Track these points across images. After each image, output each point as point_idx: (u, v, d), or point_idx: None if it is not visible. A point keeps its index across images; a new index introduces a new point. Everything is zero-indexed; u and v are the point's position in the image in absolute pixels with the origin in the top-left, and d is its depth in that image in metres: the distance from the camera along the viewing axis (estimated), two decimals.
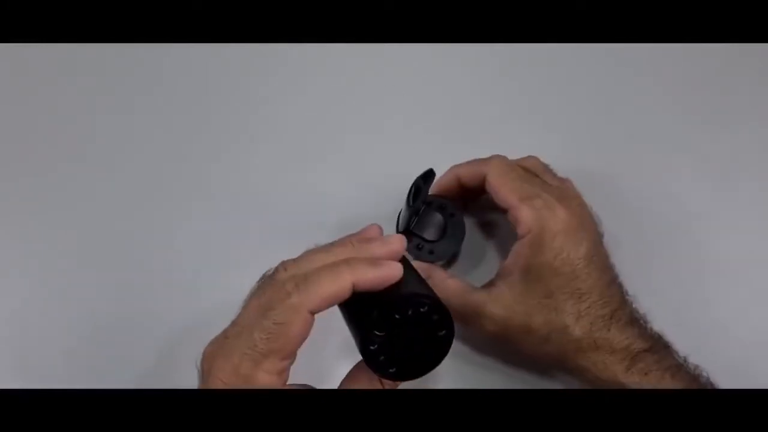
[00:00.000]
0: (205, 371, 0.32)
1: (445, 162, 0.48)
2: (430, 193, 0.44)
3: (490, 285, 0.40)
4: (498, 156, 0.42)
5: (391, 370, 0.32)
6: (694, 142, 0.53)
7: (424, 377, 0.33)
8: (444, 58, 0.56)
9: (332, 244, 0.34)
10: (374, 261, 0.32)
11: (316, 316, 0.31)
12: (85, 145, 0.51)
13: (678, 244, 0.49)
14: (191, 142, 0.52)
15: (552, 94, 0.54)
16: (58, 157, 0.51)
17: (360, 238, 0.34)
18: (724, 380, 0.38)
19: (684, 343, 0.39)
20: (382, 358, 0.31)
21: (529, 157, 0.44)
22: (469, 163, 0.43)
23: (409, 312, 0.31)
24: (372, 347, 0.31)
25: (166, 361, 0.44)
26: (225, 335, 0.32)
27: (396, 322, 0.31)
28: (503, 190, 0.40)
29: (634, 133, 0.53)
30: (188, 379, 0.44)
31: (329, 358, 0.44)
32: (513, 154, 0.52)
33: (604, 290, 0.37)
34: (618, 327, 0.37)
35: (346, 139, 0.52)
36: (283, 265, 0.33)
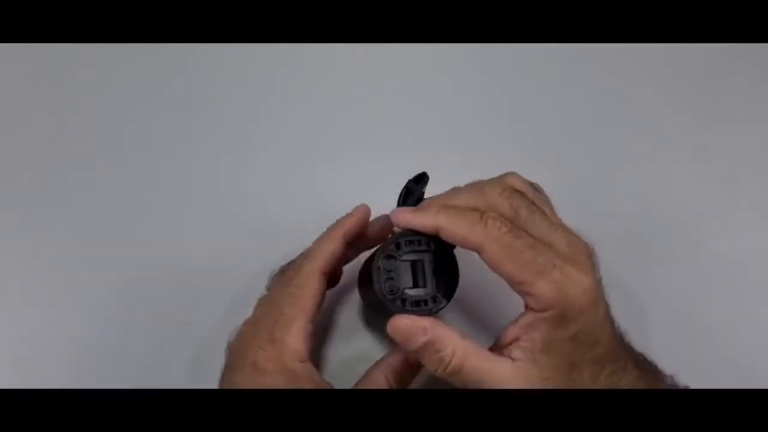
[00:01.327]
0: (236, 346, 0.37)
1: (446, 162, 0.48)
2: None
3: (508, 355, 0.33)
4: (492, 219, 0.33)
5: (426, 306, 0.34)
6: (694, 142, 0.53)
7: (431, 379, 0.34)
8: (444, 58, 0.56)
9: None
10: (349, 214, 0.40)
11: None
12: (85, 145, 0.51)
13: (678, 244, 0.49)
14: (191, 143, 0.52)
15: (552, 94, 0.54)
16: (58, 156, 0.51)
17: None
18: (725, 380, 0.38)
19: (684, 343, 0.40)
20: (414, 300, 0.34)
21: (511, 178, 0.37)
22: (454, 216, 0.34)
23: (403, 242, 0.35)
24: (395, 293, 0.34)
25: (167, 361, 0.44)
26: (254, 318, 0.38)
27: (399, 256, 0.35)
28: (509, 266, 0.32)
29: (634, 133, 0.53)
30: (188, 379, 0.44)
31: (346, 360, 0.44)
32: (513, 154, 0.52)
33: (616, 346, 0.35)
34: (627, 378, 0.35)
35: (345, 139, 0.52)
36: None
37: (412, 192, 0.41)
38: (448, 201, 0.35)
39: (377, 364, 0.38)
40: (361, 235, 0.40)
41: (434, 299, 0.35)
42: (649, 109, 0.54)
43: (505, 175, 0.37)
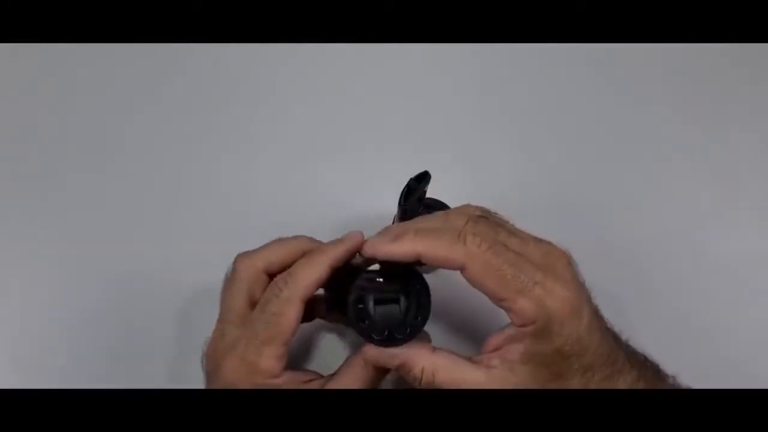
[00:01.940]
0: (209, 367, 0.36)
1: (446, 162, 0.48)
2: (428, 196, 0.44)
3: (486, 364, 0.34)
4: (472, 235, 0.33)
5: (399, 336, 0.35)
6: (694, 142, 0.53)
7: None
8: (444, 59, 0.56)
9: (286, 238, 0.40)
10: (337, 241, 0.37)
11: None
12: (85, 145, 0.51)
13: (678, 245, 0.49)
14: (191, 143, 0.52)
15: (551, 94, 0.54)
16: (58, 157, 0.51)
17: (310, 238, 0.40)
18: (724, 380, 0.38)
19: (684, 343, 0.40)
20: (386, 332, 0.35)
21: (469, 207, 0.36)
22: (432, 238, 0.34)
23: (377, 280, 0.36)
24: (368, 323, 0.35)
25: (167, 360, 0.44)
26: (219, 333, 0.37)
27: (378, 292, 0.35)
28: (491, 284, 0.32)
29: (634, 133, 0.53)
30: (188, 379, 0.44)
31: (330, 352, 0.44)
32: (513, 154, 0.52)
33: (608, 351, 0.34)
34: (624, 380, 0.34)
35: (346, 138, 0.52)
36: (240, 257, 0.38)
37: (414, 191, 0.41)
38: (419, 225, 0.35)
39: (359, 350, 0.38)
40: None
41: (408, 329, 0.35)
42: (649, 109, 0.54)
43: (463, 206, 0.36)
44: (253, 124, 0.53)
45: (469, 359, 0.34)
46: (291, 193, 0.50)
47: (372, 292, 0.35)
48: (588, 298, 0.34)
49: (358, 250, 0.37)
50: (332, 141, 0.52)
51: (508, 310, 0.33)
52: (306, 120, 0.53)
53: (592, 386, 0.33)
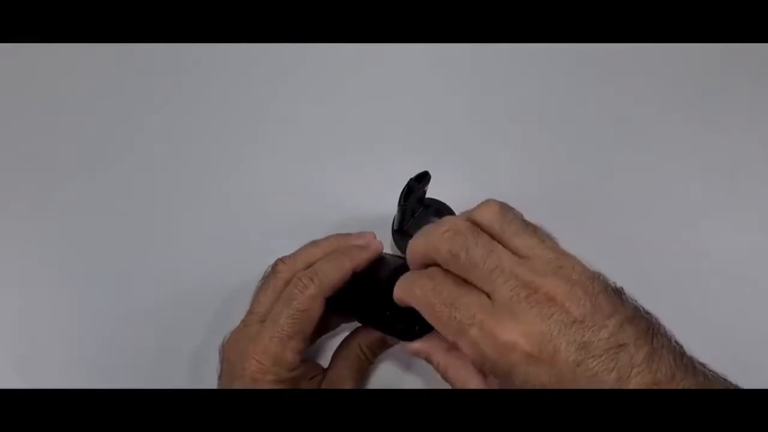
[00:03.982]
0: (232, 357, 0.37)
1: (446, 162, 0.48)
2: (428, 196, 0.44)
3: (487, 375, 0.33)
4: (419, 277, 0.32)
5: (416, 329, 0.35)
6: (694, 142, 0.53)
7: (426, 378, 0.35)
8: (444, 58, 0.56)
9: (319, 240, 0.41)
10: (361, 246, 0.39)
11: None
12: (85, 145, 0.51)
13: (678, 244, 0.49)
14: (192, 143, 0.52)
15: (551, 94, 0.54)
16: (58, 157, 0.51)
17: (340, 234, 0.42)
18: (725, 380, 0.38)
19: (683, 343, 0.39)
20: (400, 325, 0.36)
21: (478, 211, 0.33)
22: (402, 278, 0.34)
23: None
24: (389, 316, 0.36)
25: (167, 361, 0.44)
26: (245, 324, 0.38)
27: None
28: (435, 325, 0.31)
29: (633, 133, 0.53)
30: (188, 379, 0.44)
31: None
32: (513, 154, 0.52)
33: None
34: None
35: (346, 139, 0.52)
36: (281, 260, 0.40)
37: (414, 191, 0.41)
38: (410, 250, 0.34)
39: (354, 332, 0.41)
40: None
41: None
42: (648, 109, 0.54)
43: (475, 208, 0.33)
44: (253, 124, 0.53)
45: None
46: (291, 193, 0.50)
47: None
48: (574, 341, 0.28)
49: (376, 257, 0.39)
50: (332, 141, 0.52)
51: None
52: (306, 120, 0.53)
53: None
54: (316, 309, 0.37)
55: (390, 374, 0.44)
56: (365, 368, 0.41)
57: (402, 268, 0.36)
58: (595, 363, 0.28)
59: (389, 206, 0.43)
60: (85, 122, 0.52)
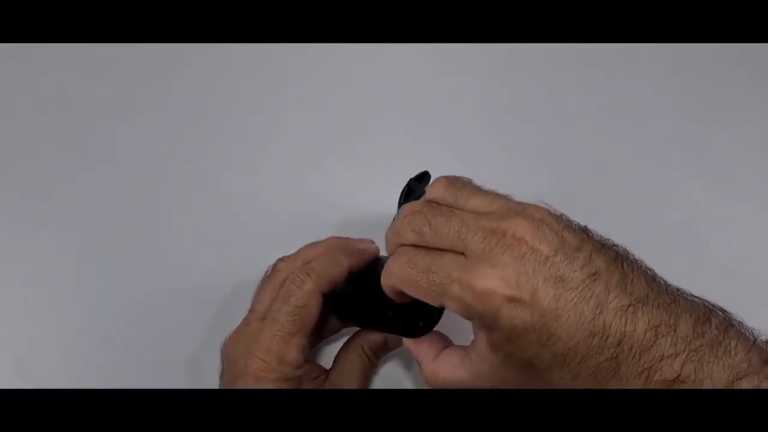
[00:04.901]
0: (234, 355, 0.37)
1: (446, 162, 0.47)
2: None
3: (469, 357, 0.33)
4: (394, 256, 0.33)
5: (420, 324, 0.36)
6: (694, 142, 0.53)
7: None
8: (444, 58, 0.56)
9: (319, 241, 0.41)
10: (359, 248, 0.39)
11: None
12: (85, 146, 0.51)
13: (678, 244, 0.49)
14: (192, 143, 0.52)
15: (551, 94, 0.54)
16: (58, 157, 0.51)
17: (340, 237, 0.42)
18: None
19: None
20: (402, 322, 0.36)
21: (432, 188, 0.35)
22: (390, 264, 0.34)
23: None
24: (390, 315, 0.36)
25: (167, 361, 0.44)
26: (246, 323, 0.38)
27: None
28: (420, 295, 0.32)
29: (633, 133, 0.53)
30: (188, 379, 0.44)
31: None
32: (513, 154, 0.52)
33: (590, 333, 0.29)
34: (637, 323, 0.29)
35: (346, 139, 0.52)
36: (282, 259, 0.40)
37: (414, 191, 0.41)
38: (388, 245, 0.35)
39: (356, 334, 0.41)
40: None
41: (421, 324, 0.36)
42: (648, 109, 0.54)
43: (411, 203, 0.35)
44: (253, 124, 0.53)
45: (463, 353, 0.34)
46: (291, 193, 0.50)
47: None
48: (550, 276, 0.29)
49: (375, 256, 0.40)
50: (332, 141, 0.52)
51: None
52: (306, 120, 0.53)
53: (582, 376, 0.29)
54: (314, 305, 0.36)
55: (391, 374, 0.44)
56: (368, 371, 0.40)
57: None
58: (573, 294, 0.29)
59: (389, 206, 0.43)
60: (81, 122, 0.52)
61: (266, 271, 0.40)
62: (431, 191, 0.34)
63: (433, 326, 0.36)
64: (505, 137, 0.53)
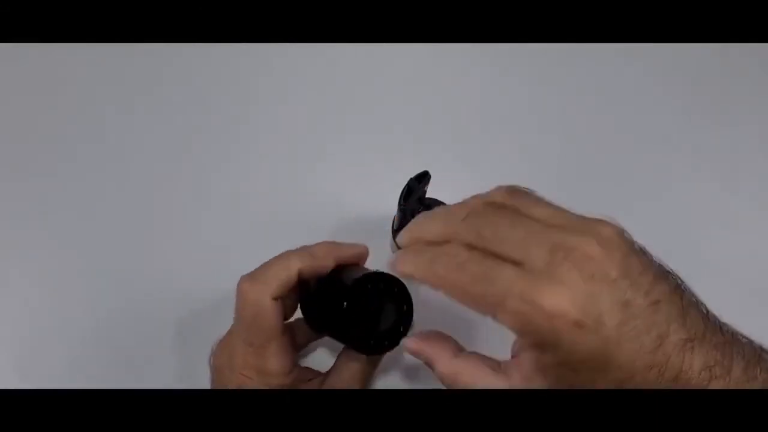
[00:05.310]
0: (219, 366, 0.37)
1: (446, 162, 0.48)
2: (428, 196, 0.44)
3: (507, 373, 0.31)
4: (441, 256, 0.30)
5: (386, 343, 0.36)
6: (695, 141, 0.53)
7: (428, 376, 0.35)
8: (444, 59, 0.56)
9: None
10: (311, 251, 0.36)
11: None
12: (84, 146, 0.51)
13: (678, 245, 0.49)
14: (191, 143, 0.52)
15: (551, 94, 0.54)
16: (58, 157, 0.51)
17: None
18: None
19: None
20: (371, 341, 0.36)
21: (492, 193, 0.32)
22: (415, 256, 0.31)
23: (368, 286, 0.35)
24: (358, 331, 0.35)
25: (167, 361, 0.44)
26: (230, 333, 0.37)
27: (361, 302, 0.35)
28: (468, 302, 0.29)
29: (634, 133, 0.53)
30: (188, 379, 0.44)
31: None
32: (513, 154, 0.52)
33: (649, 362, 0.28)
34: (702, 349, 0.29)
35: (346, 139, 0.52)
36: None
37: (414, 191, 0.41)
38: (418, 233, 0.32)
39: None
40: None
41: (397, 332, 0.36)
42: (649, 109, 0.54)
43: (485, 193, 0.32)
44: (252, 124, 0.53)
45: (494, 365, 0.32)
46: (291, 193, 0.50)
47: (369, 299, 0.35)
48: (617, 301, 0.27)
49: (327, 261, 0.36)
50: (332, 141, 0.52)
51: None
52: (305, 120, 0.53)
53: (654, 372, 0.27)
54: (268, 311, 0.34)
55: (394, 375, 0.44)
56: (368, 374, 0.39)
57: (369, 276, 0.35)
58: (636, 322, 0.27)
59: (389, 206, 0.43)
60: (80, 123, 0.52)
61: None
62: (491, 194, 0.31)
63: (395, 346, 0.36)
64: (505, 137, 0.53)
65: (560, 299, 0.27)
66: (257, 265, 0.41)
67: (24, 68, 0.54)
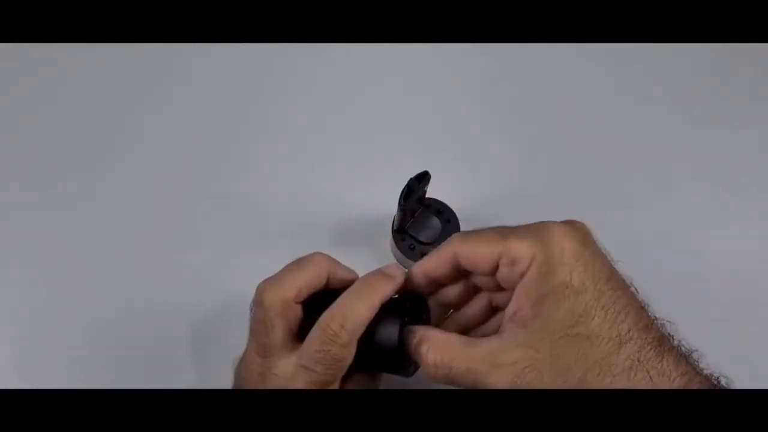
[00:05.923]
0: (250, 382, 0.36)
1: (446, 162, 0.48)
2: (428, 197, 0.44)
3: (498, 333, 0.33)
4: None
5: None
6: (694, 141, 0.53)
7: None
8: (444, 59, 0.56)
9: (302, 259, 0.37)
10: (386, 276, 0.36)
11: None
12: (84, 146, 0.51)
13: (677, 245, 0.49)
14: (191, 143, 0.52)
15: (551, 94, 0.54)
16: (58, 157, 0.51)
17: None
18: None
19: (683, 342, 0.39)
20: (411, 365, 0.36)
21: None
22: (427, 261, 0.36)
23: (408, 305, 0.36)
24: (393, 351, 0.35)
25: (167, 361, 0.44)
26: (268, 369, 0.35)
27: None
28: (481, 247, 0.33)
29: (634, 133, 0.53)
30: (188, 379, 0.44)
31: None
32: (513, 154, 0.52)
33: (641, 311, 0.32)
34: (672, 357, 0.31)
35: (346, 139, 0.52)
36: (266, 287, 0.36)
37: (414, 191, 0.41)
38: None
39: None
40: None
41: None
42: (649, 109, 0.54)
43: None
44: (252, 124, 0.53)
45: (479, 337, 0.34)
46: (291, 193, 0.50)
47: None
48: (601, 253, 0.34)
49: (401, 285, 0.36)
50: (332, 141, 0.52)
51: (509, 262, 0.32)
52: (306, 120, 0.53)
53: (632, 346, 0.30)
54: (351, 354, 0.34)
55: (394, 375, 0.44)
56: (379, 377, 0.39)
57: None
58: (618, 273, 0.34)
59: (389, 206, 0.43)
60: (80, 123, 0.52)
61: (252, 302, 0.37)
62: None
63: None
64: (505, 137, 0.53)
65: (568, 226, 0.33)
66: (256, 263, 0.41)
67: (24, 68, 0.54)
